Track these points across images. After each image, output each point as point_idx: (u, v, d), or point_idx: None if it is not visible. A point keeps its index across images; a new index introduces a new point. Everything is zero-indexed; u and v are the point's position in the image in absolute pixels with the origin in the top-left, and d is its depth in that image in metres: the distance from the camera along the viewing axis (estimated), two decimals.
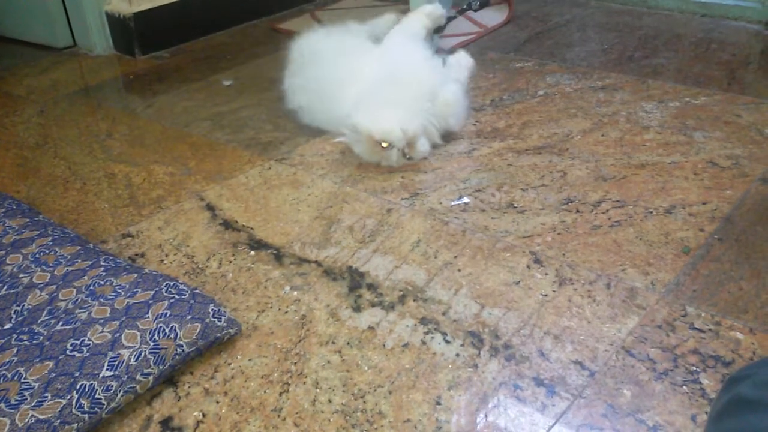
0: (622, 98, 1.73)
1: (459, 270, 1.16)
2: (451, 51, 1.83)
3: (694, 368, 0.94)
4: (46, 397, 0.86)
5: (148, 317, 0.98)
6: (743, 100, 1.67)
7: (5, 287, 1.09)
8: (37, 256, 1.14)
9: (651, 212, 1.27)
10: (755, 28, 2.16)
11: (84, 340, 0.94)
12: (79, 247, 1.17)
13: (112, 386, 0.89)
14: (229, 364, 1.00)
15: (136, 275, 1.07)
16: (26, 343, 0.95)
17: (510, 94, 1.80)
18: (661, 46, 2.07)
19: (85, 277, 1.08)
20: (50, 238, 1.19)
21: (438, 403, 0.91)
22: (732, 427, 0.55)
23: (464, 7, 2.11)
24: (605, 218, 1.26)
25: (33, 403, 0.85)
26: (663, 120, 1.60)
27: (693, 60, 1.94)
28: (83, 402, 0.87)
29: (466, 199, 1.32)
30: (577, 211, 1.29)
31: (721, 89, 1.74)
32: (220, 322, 1.00)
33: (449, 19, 2.14)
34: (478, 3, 2.05)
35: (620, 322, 1.02)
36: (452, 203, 1.32)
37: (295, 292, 1.13)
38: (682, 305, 1.05)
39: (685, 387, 0.91)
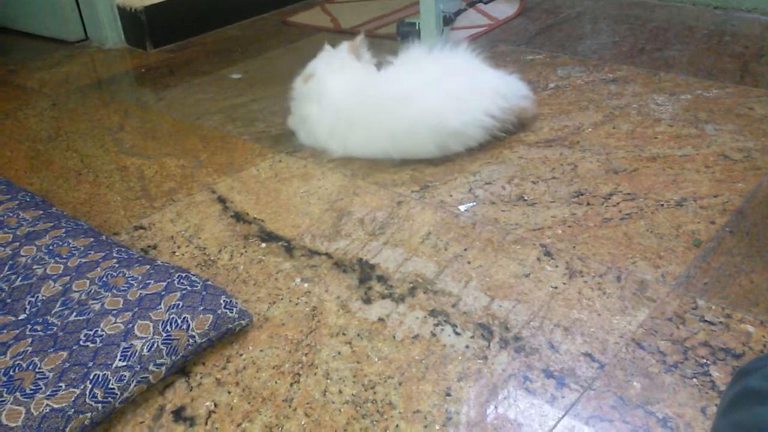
0: (634, 91, 1.72)
1: (469, 262, 1.16)
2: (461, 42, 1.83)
3: (705, 361, 0.93)
4: (60, 386, 0.87)
5: (161, 308, 0.99)
6: (756, 92, 1.66)
7: (19, 278, 1.10)
8: (50, 247, 1.15)
9: (662, 205, 1.27)
10: None
11: (97, 330, 0.96)
12: (92, 239, 1.18)
13: (125, 376, 0.90)
14: (241, 355, 1.00)
15: (148, 267, 1.08)
16: (40, 333, 0.96)
17: None
18: (673, 38, 2.06)
19: (98, 269, 1.09)
20: (63, 230, 1.20)
21: (448, 395, 0.91)
22: (741, 420, 0.55)
23: None
24: (616, 211, 1.26)
25: (47, 393, 0.87)
26: (674, 112, 1.60)
27: (705, 52, 1.93)
28: (97, 392, 0.88)
29: (472, 204, 1.32)
30: (588, 204, 1.29)
31: (734, 82, 1.73)
32: (232, 313, 1.01)
33: (458, 12, 2.13)
34: None
35: (630, 315, 1.02)
36: (462, 208, 1.31)
37: (306, 284, 1.14)
38: (692, 298, 1.05)
39: (695, 379, 0.91)
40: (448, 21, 2.01)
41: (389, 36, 2.23)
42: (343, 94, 1.50)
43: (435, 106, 1.42)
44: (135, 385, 0.91)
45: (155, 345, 0.94)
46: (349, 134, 1.50)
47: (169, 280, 1.05)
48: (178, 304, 1.00)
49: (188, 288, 1.03)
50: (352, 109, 1.49)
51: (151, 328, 0.96)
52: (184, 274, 1.06)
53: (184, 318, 0.98)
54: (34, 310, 1.04)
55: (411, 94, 1.44)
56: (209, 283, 1.06)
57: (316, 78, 1.53)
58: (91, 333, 0.95)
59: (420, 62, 1.55)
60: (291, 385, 0.95)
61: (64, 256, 1.13)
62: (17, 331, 0.97)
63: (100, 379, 0.89)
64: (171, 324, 0.97)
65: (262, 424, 0.89)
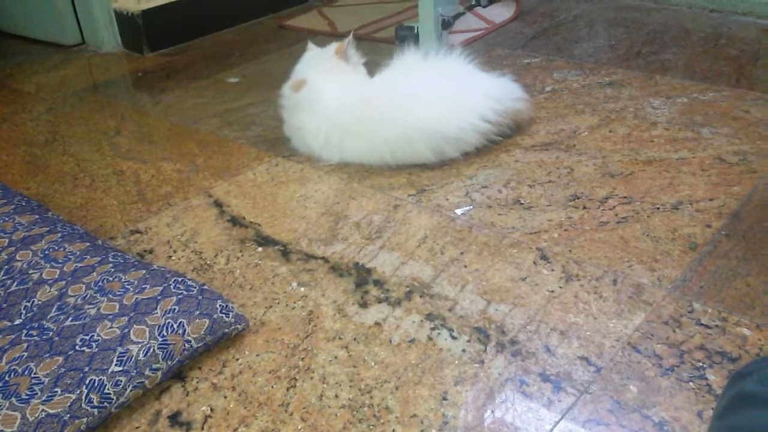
0: (630, 94, 1.72)
1: (465, 266, 1.16)
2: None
3: (701, 364, 0.94)
4: (56, 392, 0.87)
5: (157, 313, 0.99)
6: (752, 95, 1.67)
7: (15, 283, 1.10)
8: (46, 252, 1.15)
9: (658, 208, 1.27)
10: (765, 24, 2.15)
11: (93, 335, 0.95)
12: (88, 244, 1.17)
13: (121, 381, 0.90)
14: (237, 360, 1.00)
15: (144, 271, 1.08)
16: (36, 338, 0.96)
17: None
18: (669, 41, 2.06)
19: (94, 273, 1.09)
20: (59, 235, 1.20)
21: (444, 399, 0.91)
22: (737, 423, 0.55)
23: (472, 3, 2.11)
24: (612, 214, 1.26)
25: (43, 398, 0.86)
26: (671, 116, 1.60)
27: (701, 56, 1.94)
28: (92, 397, 0.88)
29: (469, 207, 1.32)
30: (584, 208, 1.29)
31: (730, 85, 1.73)
32: (228, 317, 1.01)
33: (456, 16, 2.14)
34: None
35: (627, 318, 1.02)
36: (458, 212, 1.31)
37: (302, 288, 1.14)
38: (688, 301, 1.05)
39: (691, 383, 0.91)
40: (446, 25, 2.01)
41: (387, 40, 2.24)
42: (337, 102, 1.49)
43: (430, 112, 1.42)
44: (131, 390, 0.91)
45: (151, 350, 0.94)
46: (345, 143, 1.50)
47: (165, 284, 1.05)
48: (174, 309, 0.99)
49: (184, 292, 1.03)
50: (347, 117, 1.48)
51: (147, 332, 0.96)
52: (180, 279, 1.06)
53: (180, 322, 0.97)
54: (29, 315, 1.03)
55: (406, 101, 1.44)
56: (205, 287, 1.06)
57: (307, 86, 1.52)
58: (87, 338, 0.95)
59: (413, 67, 1.55)
60: (287, 389, 0.95)
61: (59, 261, 1.13)
62: (13, 336, 0.97)
63: (96, 384, 0.89)
64: (167, 328, 0.96)
65: (258, 428, 0.89)
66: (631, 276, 1.11)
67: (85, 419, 0.86)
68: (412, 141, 1.43)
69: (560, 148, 1.50)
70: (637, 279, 1.10)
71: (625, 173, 1.38)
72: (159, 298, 1.02)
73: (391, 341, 1.01)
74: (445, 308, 1.07)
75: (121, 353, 0.93)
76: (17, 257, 1.15)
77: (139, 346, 0.94)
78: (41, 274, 1.10)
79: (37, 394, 0.87)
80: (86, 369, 0.90)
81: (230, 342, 1.03)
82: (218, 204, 1.40)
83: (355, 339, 1.02)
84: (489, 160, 1.47)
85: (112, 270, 1.09)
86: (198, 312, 0.99)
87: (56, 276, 1.10)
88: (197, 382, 0.97)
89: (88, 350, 0.93)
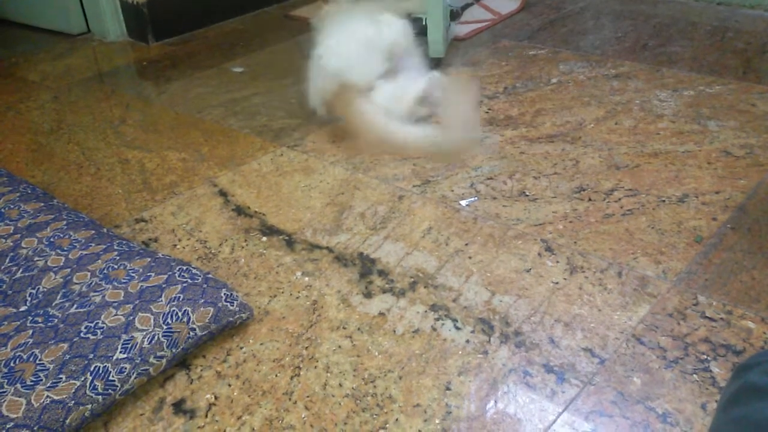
0: (636, 86, 1.72)
1: (470, 257, 1.16)
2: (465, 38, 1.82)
3: (705, 357, 0.93)
4: (61, 378, 0.88)
5: (162, 301, 0.99)
6: (758, 89, 1.66)
7: (20, 270, 1.10)
8: (51, 239, 1.15)
9: (664, 201, 1.26)
10: None
11: (98, 322, 0.96)
12: (93, 232, 1.18)
13: (126, 368, 0.90)
14: (241, 348, 1.00)
15: (149, 259, 1.08)
16: (41, 325, 0.96)
17: (523, 82, 1.79)
18: (676, 34, 2.05)
19: (99, 261, 1.09)
20: (64, 223, 1.20)
21: (448, 389, 0.91)
22: (741, 415, 0.55)
23: None
24: (617, 207, 1.26)
25: (48, 384, 0.87)
26: (677, 109, 1.59)
27: (708, 48, 1.93)
28: (97, 383, 0.88)
29: (474, 198, 1.31)
30: (590, 200, 1.28)
31: (736, 78, 1.73)
32: (233, 306, 1.01)
33: (465, 7, 2.13)
34: None
35: (631, 310, 1.02)
36: (463, 203, 1.31)
37: (307, 278, 1.14)
38: (693, 294, 1.05)
39: (695, 375, 0.91)
40: (454, 15, 2.01)
41: None
42: None
43: None
44: (135, 378, 0.91)
45: (156, 337, 0.94)
46: None
47: (170, 272, 1.05)
48: (179, 297, 1.00)
49: (189, 281, 1.03)
50: None
51: (152, 320, 0.96)
52: (185, 267, 1.06)
53: (185, 311, 0.98)
54: (35, 302, 1.04)
55: None
56: (210, 276, 1.06)
57: None
58: (92, 325, 0.95)
59: None
60: (291, 378, 0.95)
61: (65, 249, 1.13)
62: (18, 323, 0.97)
63: (100, 371, 0.89)
64: (172, 316, 0.97)
65: (262, 417, 0.89)
66: (636, 268, 1.11)
67: (89, 406, 0.87)
68: None
69: (566, 140, 1.49)
70: (642, 271, 1.10)
71: (630, 165, 1.38)
72: (164, 286, 1.02)
73: (395, 331, 1.01)
74: (450, 299, 1.07)
75: (125, 340, 0.93)
76: (23, 244, 1.15)
77: (144, 333, 0.94)
78: (46, 262, 1.11)
79: (42, 380, 0.87)
80: (91, 356, 0.91)
81: (234, 330, 1.03)
82: (223, 193, 1.40)
83: (359, 329, 1.02)
84: (494, 152, 1.47)
85: (117, 258, 1.09)
86: (203, 300, 1.00)
87: (61, 263, 1.10)
88: (201, 370, 0.97)
89: (93, 337, 0.93)
